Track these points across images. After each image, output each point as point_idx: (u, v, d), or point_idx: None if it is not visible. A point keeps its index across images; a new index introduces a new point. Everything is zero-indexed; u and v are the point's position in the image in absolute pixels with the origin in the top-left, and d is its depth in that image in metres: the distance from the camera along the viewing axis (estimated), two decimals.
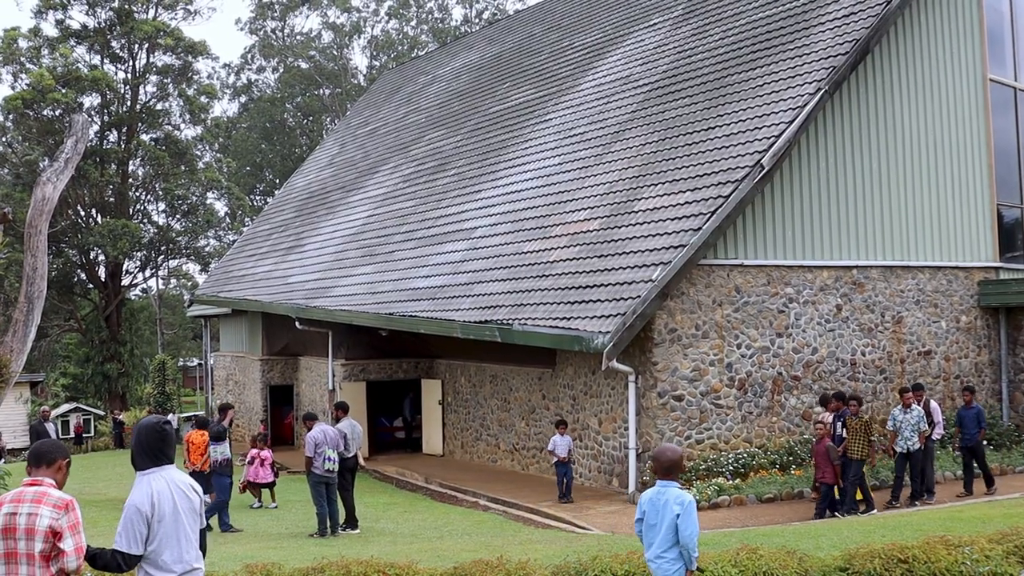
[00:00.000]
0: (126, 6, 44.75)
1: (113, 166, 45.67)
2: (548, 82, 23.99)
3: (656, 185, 15.83)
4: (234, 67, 65.93)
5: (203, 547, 5.14)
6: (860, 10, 15.99)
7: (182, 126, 49.27)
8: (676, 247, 13.90)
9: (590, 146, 18.93)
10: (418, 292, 18.87)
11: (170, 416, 31.22)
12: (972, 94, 18.28)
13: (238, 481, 16.18)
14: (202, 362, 48.09)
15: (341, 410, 14.47)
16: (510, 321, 15.21)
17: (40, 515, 4.65)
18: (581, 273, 15.18)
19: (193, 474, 13.81)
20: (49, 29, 45.37)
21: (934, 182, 17.59)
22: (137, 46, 45.87)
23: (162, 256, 50.56)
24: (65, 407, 42.46)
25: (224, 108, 70.11)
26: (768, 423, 15.45)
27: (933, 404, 14.54)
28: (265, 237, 32.16)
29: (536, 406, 17.53)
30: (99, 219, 45.20)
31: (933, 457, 14.05)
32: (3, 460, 23.99)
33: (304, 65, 63.24)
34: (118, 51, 45.97)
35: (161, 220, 50.12)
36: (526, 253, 17.09)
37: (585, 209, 16.91)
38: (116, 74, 46.05)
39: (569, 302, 14.66)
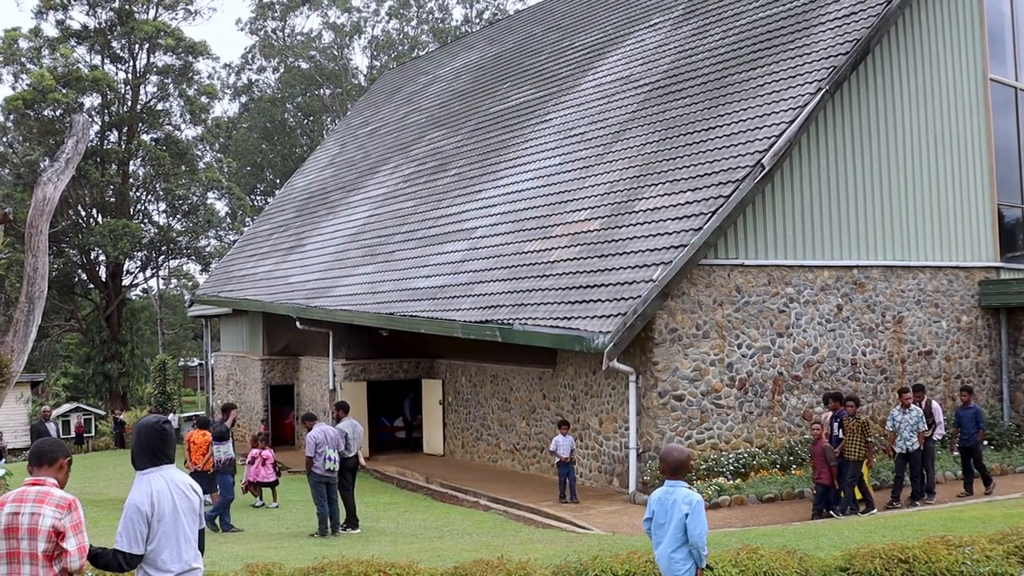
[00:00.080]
0: (127, 6, 44.76)
1: (114, 166, 45.69)
2: (549, 82, 23.98)
3: (657, 185, 15.83)
4: (234, 67, 65.98)
5: (201, 547, 5.15)
6: (861, 10, 15.99)
7: (183, 126, 49.36)
8: (677, 247, 13.91)
9: (591, 146, 18.93)
10: (419, 292, 18.88)
11: (170, 416, 31.27)
12: (973, 94, 18.28)
13: (240, 481, 16.20)
14: (203, 362, 48.08)
15: (342, 410, 14.47)
16: (511, 321, 15.22)
17: (43, 515, 4.65)
18: (582, 273, 15.18)
19: (194, 474, 13.83)
20: (49, 29, 45.49)
21: (935, 182, 17.59)
22: (137, 46, 45.88)
23: (163, 256, 50.60)
24: (66, 407, 42.53)
25: (224, 108, 70.28)
26: (769, 423, 15.45)
27: (935, 404, 14.54)
28: (266, 237, 32.16)
29: (537, 406, 17.53)
30: (100, 219, 45.21)
31: (934, 457, 14.05)
32: (4, 460, 23.97)
33: (304, 65, 63.22)
34: (118, 51, 45.98)
35: (162, 220, 50.19)
36: (527, 253, 17.09)
37: (586, 209, 16.91)
38: (116, 74, 46.09)
39: (570, 302, 14.66)
